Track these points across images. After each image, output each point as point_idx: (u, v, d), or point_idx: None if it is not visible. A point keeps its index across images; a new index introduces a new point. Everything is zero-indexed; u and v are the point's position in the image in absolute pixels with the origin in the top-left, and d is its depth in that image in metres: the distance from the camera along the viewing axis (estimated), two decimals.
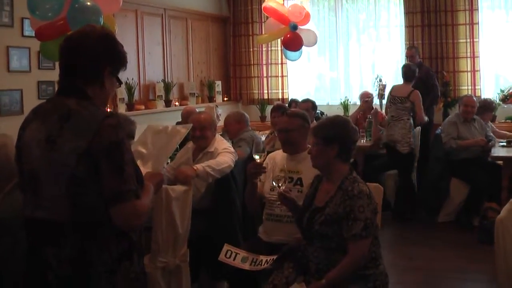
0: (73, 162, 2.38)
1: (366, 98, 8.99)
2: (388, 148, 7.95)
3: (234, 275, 4.09)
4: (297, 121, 4.30)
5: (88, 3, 4.90)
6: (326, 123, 3.70)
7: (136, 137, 4.53)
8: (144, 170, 3.06)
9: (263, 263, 3.81)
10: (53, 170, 2.42)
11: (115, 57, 2.63)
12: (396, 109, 7.91)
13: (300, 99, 8.98)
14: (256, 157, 4.04)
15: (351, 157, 3.69)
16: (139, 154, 3.54)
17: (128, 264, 2.55)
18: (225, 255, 3.92)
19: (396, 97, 7.96)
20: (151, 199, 2.69)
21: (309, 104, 7.86)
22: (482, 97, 9.22)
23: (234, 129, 6.53)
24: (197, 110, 7.30)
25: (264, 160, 4.10)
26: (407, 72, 8.12)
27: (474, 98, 7.86)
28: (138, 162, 3.06)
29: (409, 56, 9.20)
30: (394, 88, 8.16)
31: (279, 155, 4.35)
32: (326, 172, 3.62)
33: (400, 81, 8.37)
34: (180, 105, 9.21)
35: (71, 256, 2.44)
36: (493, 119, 8.83)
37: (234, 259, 3.90)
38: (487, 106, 8.02)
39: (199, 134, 5.13)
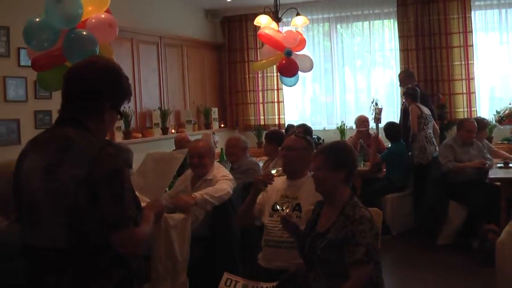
0: (73, 191, 2.38)
1: (364, 123, 9.07)
2: (437, 163, 7.89)
3: None
4: (302, 143, 4.38)
5: (84, 33, 4.88)
6: (334, 146, 3.68)
7: (135, 166, 4.52)
8: (142, 199, 3.05)
9: None
10: (53, 199, 2.42)
11: (117, 91, 2.62)
12: (431, 126, 8.26)
13: (296, 124, 9.01)
14: (273, 171, 4.21)
15: (352, 182, 3.68)
16: (137, 184, 3.53)
17: None
18: (225, 283, 3.91)
19: (429, 116, 8.28)
20: (151, 227, 2.69)
21: (301, 129, 7.94)
22: None
23: (240, 155, 6.49)
24: (195, 137, 7.29)
25: (278, 176, 4.23)
26: (415, 93, 8.39)
27: (475, 123, 7.84)
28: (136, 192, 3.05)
29: (400, 80, 9.35)
30: (422, 108, 8.28)
31: (279, 181, 4.35)
32: (328, 197, 3.58)
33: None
34: (177, 132, 9.17)
35: (72, 284, 2.43)
36: (489, 140, 8.84)
37: (234, 287, 3.88)
38: (480, 124, 8.02)
39: (197, 162, 5.13)
